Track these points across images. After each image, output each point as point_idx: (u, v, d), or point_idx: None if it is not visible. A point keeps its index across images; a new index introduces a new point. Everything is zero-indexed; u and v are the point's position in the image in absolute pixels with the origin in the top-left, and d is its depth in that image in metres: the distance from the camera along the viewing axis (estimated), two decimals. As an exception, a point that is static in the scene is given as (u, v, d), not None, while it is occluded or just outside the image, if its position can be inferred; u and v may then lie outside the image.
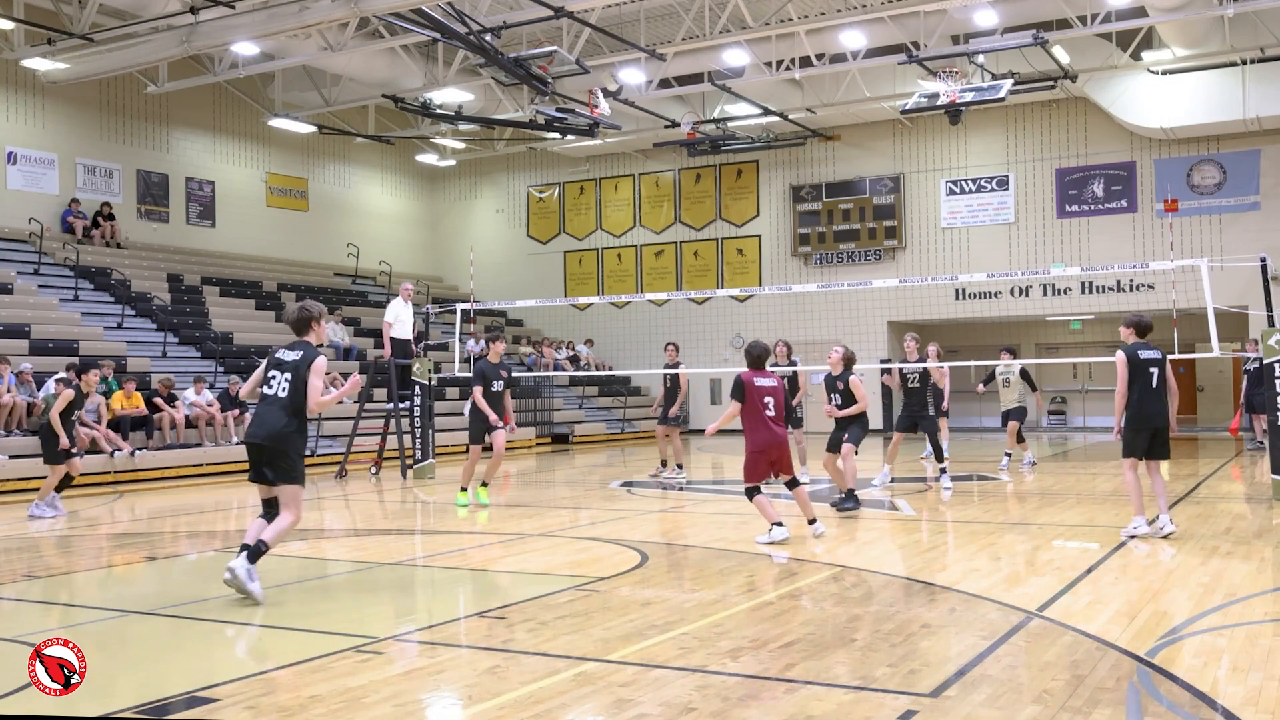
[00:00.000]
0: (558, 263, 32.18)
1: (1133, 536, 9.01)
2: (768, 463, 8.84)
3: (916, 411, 13.72)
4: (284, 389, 7.09)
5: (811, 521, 8.81)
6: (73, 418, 12.73)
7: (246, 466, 7.50)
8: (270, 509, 7.27)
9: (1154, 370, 8.96)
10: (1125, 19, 20.16)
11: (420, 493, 14.85)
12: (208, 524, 12.33)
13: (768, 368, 9.15)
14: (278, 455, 7.04)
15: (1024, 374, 16.27)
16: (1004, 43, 20.04)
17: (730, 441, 25.27)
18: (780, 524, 8.94)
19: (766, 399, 8.79)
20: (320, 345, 7.40)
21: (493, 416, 11.96)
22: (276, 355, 7.29)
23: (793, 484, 8.79)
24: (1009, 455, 16.32)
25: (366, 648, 5.76)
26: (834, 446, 11.50)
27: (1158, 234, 25.22)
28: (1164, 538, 8.99)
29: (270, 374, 7.21)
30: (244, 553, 6.94)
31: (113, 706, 4.78)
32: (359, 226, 30.98)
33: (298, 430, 7.12)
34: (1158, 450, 9.07)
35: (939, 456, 13.69)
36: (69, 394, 12.40)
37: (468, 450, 12.58)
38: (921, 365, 13.76)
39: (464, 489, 12.62)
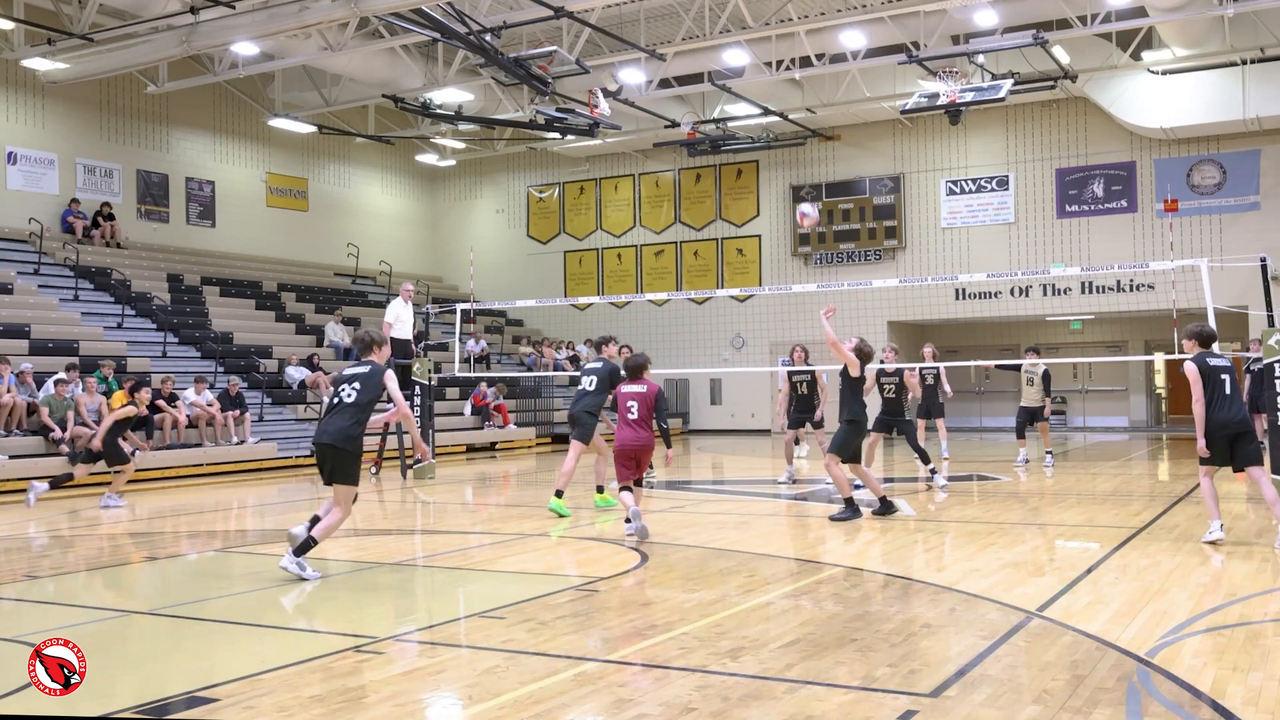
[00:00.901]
0: (558, 263, 32.17)
1: (1209, 542, 8.73)
2: (631, 461, 9.62)
3: (893, 415, 13.87)
4: (351, 395, 7.70)
5: (632, 512, 9.41)
6: (123, 434, 13.63)
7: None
8: None
9: (1225, 377, 8.74)
10: (1125, 19, 20.14)
11: (420, 493, 14.85)
12: (208, 524, 12.33)
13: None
14: (342, 455, 7.63)
15: (1045, 376, 16.38)
16: (1004, 43, 20.02)
17: (730, 442, 25.29)
18: (636, 511, 9.41)
19: (630, 403, 9.64)
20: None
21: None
22: (343, 373, 7.95)
23: (637, 483, 9.67)
24: (1050, 453, 16.74)
25: (366, 648, 5.76)
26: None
27: (1158, 234, 25.21)
28: None
29: (340, 388, 7.79)
30: (290, 549, 7.63)
31: (113, 706, 4.78)
32: (359, 226, 30.98)
33: (362, 432, 7.69)
34: (1244, 456, 8.64)
35: (924, 459, 13.77)
36: (130, 410, 13.18)
37: (574, 446, 11.49)
38: (899, 373, 13.91)
39: (601, 488, 12.14)
